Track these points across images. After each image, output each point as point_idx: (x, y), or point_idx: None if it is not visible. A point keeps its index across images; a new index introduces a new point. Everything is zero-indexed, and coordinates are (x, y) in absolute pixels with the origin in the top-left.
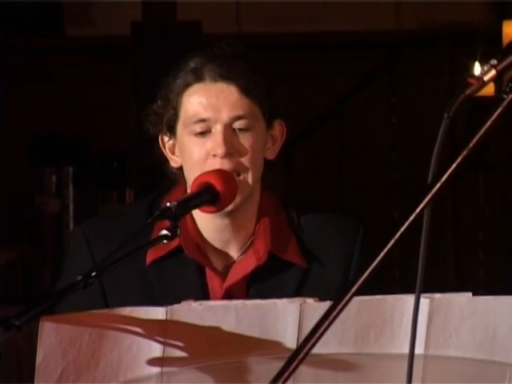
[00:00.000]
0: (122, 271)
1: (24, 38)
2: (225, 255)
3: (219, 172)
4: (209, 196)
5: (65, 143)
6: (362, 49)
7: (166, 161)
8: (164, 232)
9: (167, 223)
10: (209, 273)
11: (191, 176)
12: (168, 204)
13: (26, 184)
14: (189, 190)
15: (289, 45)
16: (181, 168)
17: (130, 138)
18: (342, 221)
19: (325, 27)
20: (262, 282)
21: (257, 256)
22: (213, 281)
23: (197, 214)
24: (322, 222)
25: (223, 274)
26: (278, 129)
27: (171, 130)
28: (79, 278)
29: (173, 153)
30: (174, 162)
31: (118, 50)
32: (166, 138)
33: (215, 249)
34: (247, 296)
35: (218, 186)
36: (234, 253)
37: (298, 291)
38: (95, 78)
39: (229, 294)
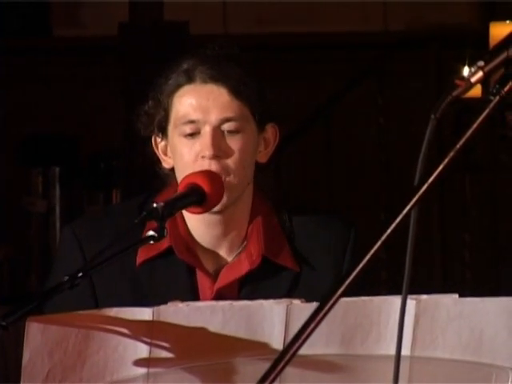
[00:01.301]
0: (112, 271)
1: (11, 38)
2: (215, 257)
3: (206, 173)
4: (195, 197)
5: (51, 143)
6: (349, 50)
7: (158, 161)
8: (151, 233)
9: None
10: (199, 274)
11: (181, 176)
12: (155, 204)
13: (12, 184)
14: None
15: (275, 46)
16: (173, 169)
17: (117, 138)
18: (332, 224)
19: (312, 28)
20: (254, 285)
21: (250, 260)
22: (203, 282)
23: (187, 214)
24: (313, 225)
25: (214, 276)
26: (271, 132)
27: (162, 131)
28: (66, 278)
29: (165, 154)
30: (167, 163)
31: (105, 50)
32: (158, 139)
33: (206, 250)
34: (238, 299)
35: (205, 186)
36: (224, 254)
37: (289, 295)
38: (82, 78)
39: (219, 296)
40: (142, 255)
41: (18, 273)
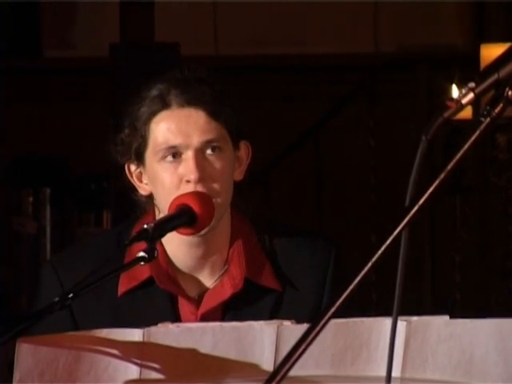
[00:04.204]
0: (93, 303)
1: (1, 59)
2: (197, 282)
3: (196, 194)
4: (186, 218)
5: (42, 164)
6: (340, 71)
7: (134, 189)
8: (141, 254)
9: (140, 248)
10: (181, 301)
11: (164, 202)
12: (145, 226)
13: (2, 205)
14: (158, 214)
15: (266, 67)
16: (150, 196)
17: (107, 159)
18: (313, 244)
19: (303, 50)
20: (238, 308)
21: (232, 283)
22: (186, 309)
23: (167, 241)
24: (294, 245)
25: (197, 302)
26: (244, 150)
27: (139, 159)
28: (56, 299)
29: (140, 181)
30: (143, 189)
31: (96, 71)
32: (132, 167)
33: (187, 276)
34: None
35: (195, 207)
36: (206, 279)
37: (273, 316)
38: (73, 99)
39: (204, 321)
40: (123, 286)
41: (8, 294)
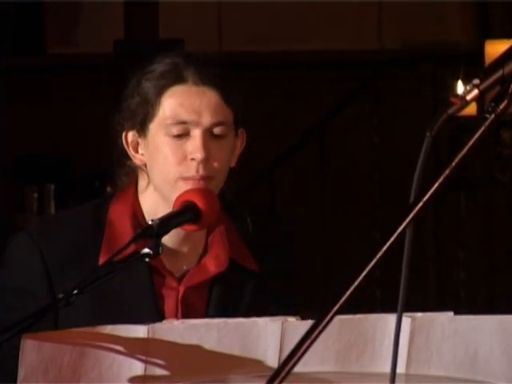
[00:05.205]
0: (73, 271)
1: (5, 57)
2: (179, 258)
3: (201, 190)
4: (191, 214)
5: (46, 161)
6: (344, 68)
7: (127, 157)
8: (146, 250)
9: (122, 223)
10: (162, 275)
11: (160, 177)
12: (150, 222)
13: (6, 202)
14: (141, 188)
15: (270, 64)
16: (142, 166)
17: (111, 155)
18: (279, 228)
19: (307, 46)
20: (222, 287)
21: (217, 263)
22: (167, 284)
23: (151, 214)
24: (262, 228)
25: (179, 279)
26: (241, 137)
27: (142, 128)
28: (61, 295)
29: (136, 151)
30: (138, 159)
31: (99, 68)
32: (130, 136)
33: (170, 251)
34: (207, 301)
35: (200, 204)
36: (187, 255)
37: (253, 296)
38: (77, 96)
39: (185, 298)
40: (105, 256)
41: None
